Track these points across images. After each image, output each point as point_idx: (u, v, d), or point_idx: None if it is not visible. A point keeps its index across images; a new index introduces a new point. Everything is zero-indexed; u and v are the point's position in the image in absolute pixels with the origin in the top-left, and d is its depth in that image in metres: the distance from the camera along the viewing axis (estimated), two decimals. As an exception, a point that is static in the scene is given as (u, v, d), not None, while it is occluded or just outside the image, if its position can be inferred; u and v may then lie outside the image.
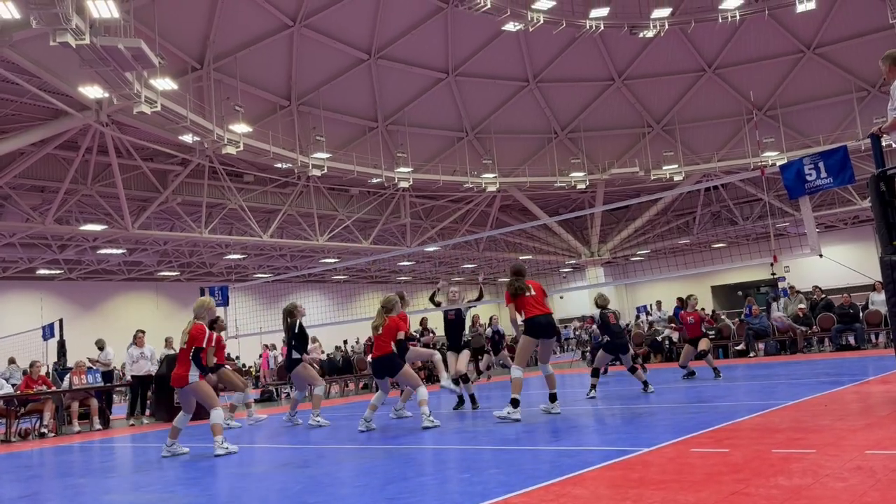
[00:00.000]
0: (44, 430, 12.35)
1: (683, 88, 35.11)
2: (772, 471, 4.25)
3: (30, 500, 5.77)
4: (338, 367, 18.75)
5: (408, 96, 32.23)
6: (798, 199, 7.68)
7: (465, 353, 10.37)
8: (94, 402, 13.13)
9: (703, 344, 12.51)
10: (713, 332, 18.98)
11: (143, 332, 14.42)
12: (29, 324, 23.97)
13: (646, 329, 20.97)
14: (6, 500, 5.88)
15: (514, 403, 8.05)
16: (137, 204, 25.99)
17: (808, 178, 7.24)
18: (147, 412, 14.16)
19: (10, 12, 14.20)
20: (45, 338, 18.35)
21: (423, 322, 15.92)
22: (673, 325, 17.68)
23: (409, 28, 29.78)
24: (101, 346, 15.97)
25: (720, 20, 30.55)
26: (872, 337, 17.21)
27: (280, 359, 21.30)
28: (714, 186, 36.85)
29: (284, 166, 27.28)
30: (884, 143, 6.96)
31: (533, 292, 8.37)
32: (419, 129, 33.05)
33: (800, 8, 29.17)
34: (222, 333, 11.58)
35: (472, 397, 10.30)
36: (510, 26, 29.60)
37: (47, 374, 14.22)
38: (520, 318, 8.41)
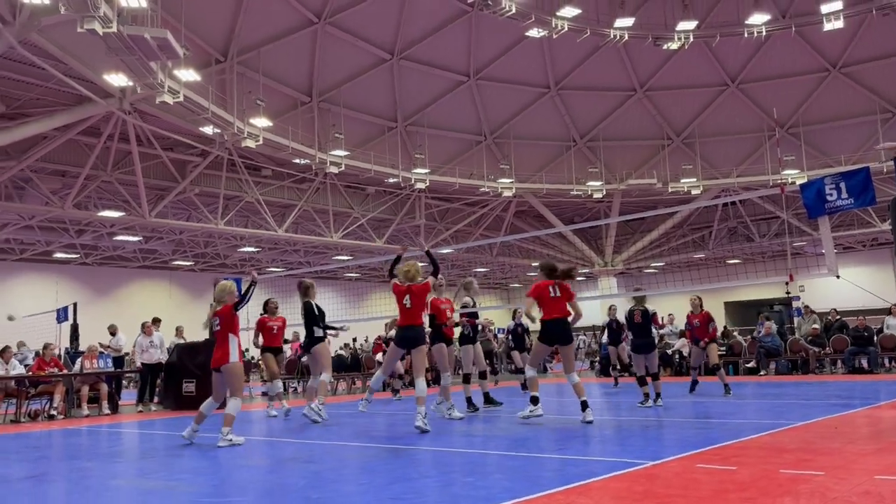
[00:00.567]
0: (53, 412, 12.44)
1: (705, 102, 34.92)
2: (779, 491, 4.21)
3: (36, 480, 5.82)
4: (346, 365, 18.77)
5: (428, 98, 32.27)
6: (817, 219, 7.63)
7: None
8: (104, 387, 13.21)
9: (714, 356, 12.12)
10: (724, 344, 18.84)
11: (158, 319, 14.51)
12: (43, 306, 24.21)
13: (656, 342, 20.80)
14: (13, 479, 5.94)
15: (534, 401, 8.20)
16: (155, 193, 26.19)
17: (829, 197, 7.19)
18: (155, 399, 14.24)
19: (39, -2, 14.36)
20: (58, 321, 18.53)
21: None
22: (685, 337, 17.55)
23: (433, 30, 29.83)
24: (113, 331, 16.09)
25: (746, 35, 30.39)
26: (886, 361, 17.04)
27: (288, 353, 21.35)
28: (732, 202, 36.62)
29: (302, 162, 27.39)
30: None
31: (558, 293, 8.35)
32: (438, 131, 33.08)
33: (827, 26, 28.95)
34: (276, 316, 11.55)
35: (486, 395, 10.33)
36: (534, 32, 29.55)
37: (59, 356, 14.34)
38: (537, 314, 8.35)
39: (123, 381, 18.86)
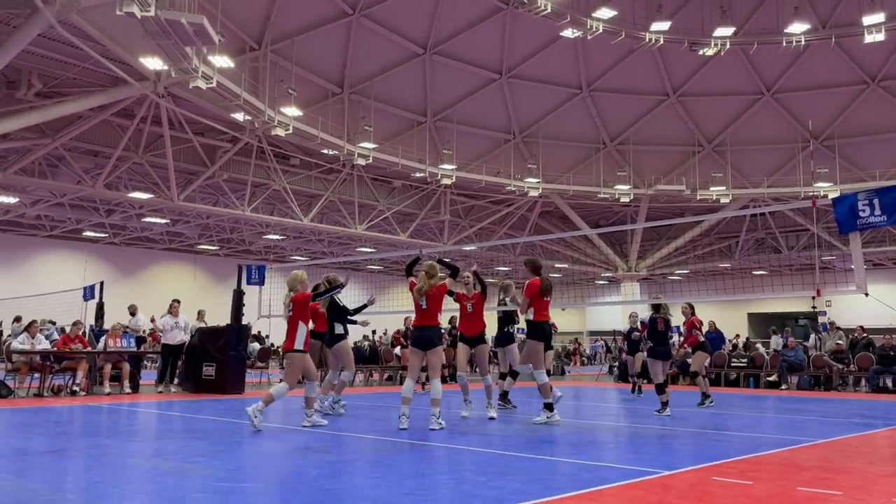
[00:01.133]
0: (76, 388, 12.65)
1: (739, 110, 34.48)
2: (795, 509, 4.16)
3: (57, 455, 5.93)
4: (364, 357, 18.86)
5: (459, 94, 32.24)
6: (848, 234, 7.49)
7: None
8: (126, 366, 13.39)
9: (696, 363, 11.62)
10: (746, 356, 18.62)
11: (178, 301, 14.67)
12: (71, 283, 24.61)
13: (676, 350, 20.63)
14: (35, 452, 6.05)
15: (549, 408, 8.38)
16: (185, 176, 26.48)
17: (861, 213, 7.05)
18: (175, 381, 14.40)
19: (81, -21, 14.56)
20: (85, 298, 18.76)
21: (451, 321, 15.88)
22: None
23: (467, 26, 29.78)
24: (133, 311, 16.23)
25: (784, 44, 29.93)
26: (911, 382, 16.72)
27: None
28: (761, 213, 36.15)
29: (331, 152, 27.52)
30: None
31: (550, 298, 8.72)
32: (467, 128, 33.04)
33: (868, 38, 28.42)
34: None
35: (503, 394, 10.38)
36: (568, 32, 29.36)
37: (84, 334, 14.55)
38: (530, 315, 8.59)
39: (145, 362, 19.12)
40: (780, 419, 10.09)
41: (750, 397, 13.10)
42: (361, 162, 28.01)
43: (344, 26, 27.34)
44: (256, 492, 4.62)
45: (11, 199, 26.20)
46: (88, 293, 18.54)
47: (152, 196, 25.72)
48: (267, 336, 25.76)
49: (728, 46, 30.30)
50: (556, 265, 41.13)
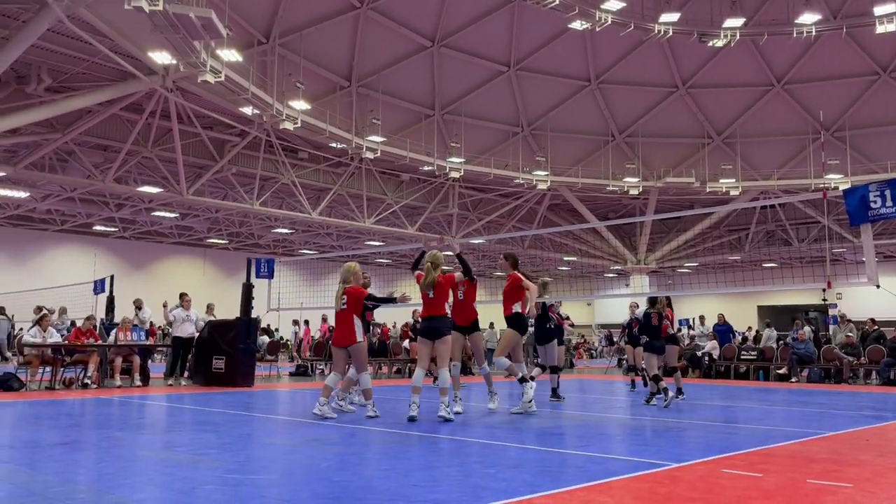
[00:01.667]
0: (87, 381, 12.75)
1: (749, 101, 34.26)
2: (805, 501, 4.14)
3: (68, 447, 5.97)
4: (373, 350, 18.91)
5: (467, 87, 32.16)
6: (859, 226, 7.44)
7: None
8: (137, 359, 13.47)
9: (667, 357, 11.29)
10: (755, 349, 18.56)
11: (187, 295, 14.72)
12: (81, 276, 24.76)
13: (686, 343, 20.61)
14: (46, 444, 6.10)
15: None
16: (194, 170, 26.56)
17: (873, 205, 7.00)
18: (185, 374, 14.48)
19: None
20: (95, 292, 18.88)
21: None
22: (714, 340, 17.32)
23: (475, 18, 29.68)
24: (139, 305, 16.29)
25: (794, 34, 29.69)
26: (923, 374, 16.60)
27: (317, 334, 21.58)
28: (771, 205, 35.95)
29: (339, 146, 27.52)
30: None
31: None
32: (475, 121, 32.97)
33: (879, 29, 28.12)
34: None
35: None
36: (577, 24, 29.23)
37: (95, 327, 14.64)
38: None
39: (155, 355, 19.22)
40: (789, 412, 10.05)
41: (759, 390, 13.05)
42: (370, 155, 28.01)
43: (352, 19, 27.30)
44: (266, 483, 4.64)
45: (22, 194, 26.37)
46: (99, 287, 18.66)
47: (161, 190, 25.83)
48: (276, 329, 25.85)
49: (738, 37, 30.08)
50: (565, 258, 41.08)
